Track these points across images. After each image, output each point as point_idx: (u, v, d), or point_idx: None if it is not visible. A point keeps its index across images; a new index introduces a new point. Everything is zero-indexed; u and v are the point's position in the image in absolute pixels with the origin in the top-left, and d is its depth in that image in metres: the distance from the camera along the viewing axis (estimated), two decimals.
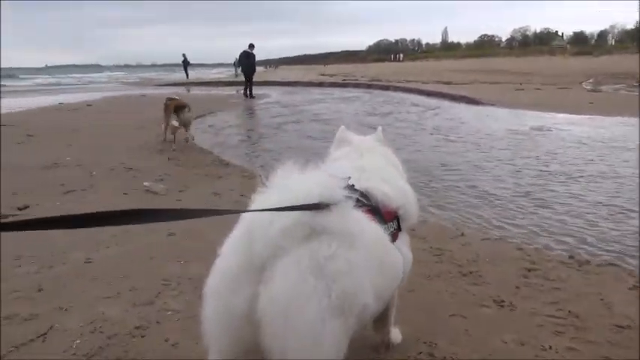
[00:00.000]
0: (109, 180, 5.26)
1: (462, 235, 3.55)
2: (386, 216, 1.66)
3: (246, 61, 17.31)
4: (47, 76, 54.13)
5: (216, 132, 9.55)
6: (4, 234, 3.40)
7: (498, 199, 4.54)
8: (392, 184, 1.77)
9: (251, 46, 17.25)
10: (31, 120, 10.63)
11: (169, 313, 2.43)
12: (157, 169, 5.77)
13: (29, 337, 2.20)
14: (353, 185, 1.62)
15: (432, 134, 8.53)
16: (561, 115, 10.55)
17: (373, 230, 1.51)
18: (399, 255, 1.66)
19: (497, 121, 10.16)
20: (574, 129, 8.68)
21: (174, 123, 7.27)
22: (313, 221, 1.25)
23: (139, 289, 2.67)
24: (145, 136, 8.44)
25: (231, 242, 1.38)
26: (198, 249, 3.21)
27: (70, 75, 58.64)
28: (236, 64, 38.25)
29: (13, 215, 3.98)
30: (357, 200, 1.48)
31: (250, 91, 17.79)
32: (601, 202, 4.34)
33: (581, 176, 5.29)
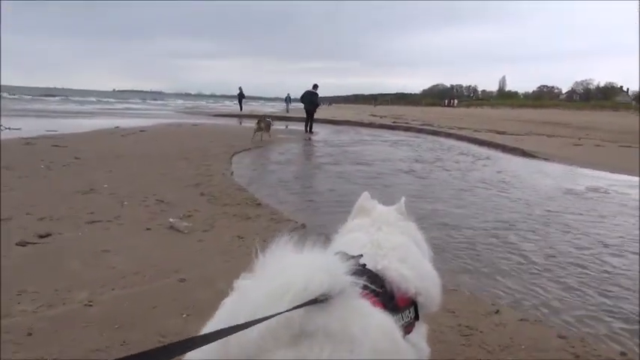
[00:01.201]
0: (137, 212, 5.20)
1: (497, 312, 3.15)
2: (401, 303, 1.39)
3: (309, 98, 18.21)
4: (112, 100, 57.18)
5: (257, 167, 9.51)
6: (10, 262, 3.34)
7: (544, 271, 4.08)
8: (411, 265, 1.51)
9: (315, 86, 18.37)
10: (83, 142, 11.02)
11: None
12: (188, 204, 5.69)
13: None
14: (364, 265, 1.38)
15: (477, 187, 8.10)
16: (621, 177, 9.84)
17: (380, 328, 1.22)
18: (412, 353, 1.38)
19: (550, 177, 9.58)
20: (634, 193, 8.01)
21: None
22: (305, 319, 0.99)
23: (130, 344, 2.47)
24: (185, 167, 8.49)
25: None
26: (206, 300, 3.00)
27: (132, 100, 61.68)
28: (288, 100, 39.39)
29: (33, 244, 3.94)
30: (366, 286, 1.21)
31: (311, 127, 18.61)
32: None
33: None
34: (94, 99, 53.65)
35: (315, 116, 19.32)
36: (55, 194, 5.74)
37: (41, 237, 4.09)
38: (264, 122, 14.71)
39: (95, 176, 7.01)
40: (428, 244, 1.75)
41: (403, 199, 1.81)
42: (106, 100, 54.77)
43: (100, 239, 4.16)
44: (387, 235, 1.60)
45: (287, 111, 37.43)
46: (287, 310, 0.97)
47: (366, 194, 1.84)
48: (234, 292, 1.12)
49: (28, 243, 3.90)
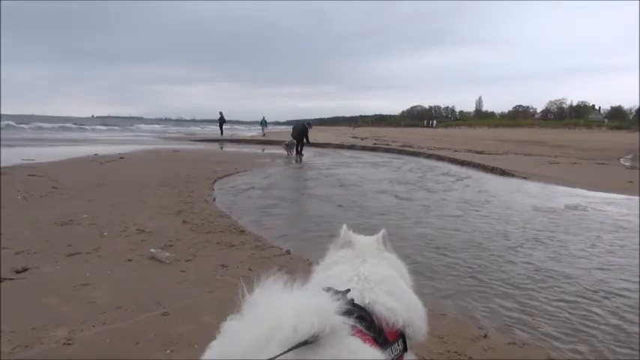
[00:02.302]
0: (118, 243, 5.09)
1: (485, 336, 3.14)
2: (389, 336, 1.39)
3: (300, 129, 19.54)
4: (91, 126, 56.50)
5: (239, 193, 9.43)
6: None
7: (530, 291, 4.11)
8: (397, 297, 1.51)
9: (309, 124, 20.52)
10: (60, 171, 10.81)
11: None
12: (170, 233, 5.60)
13: None
14: (352, 300, 1.37)
15: (459, 208, 8.17)
16: (598, 194, 10.04)
17: None
18: None
19: (530, 196, 9.72)
20: (612, 210, 8.18)
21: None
22: None
23: None
24: (166, 194, 8.38)
25: None
26: (190, 334, 2.95)
27: (111, 126, 61.06)
28: (263, 124, 39.83)
29: (9, 279, 3.81)
30: (356, 324, 1.20)
31: (301, 149, 19.60)
32: None
33: (627, 269, 4.81)
34: (72, 125, 52.75)
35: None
36: (32, 226, 5.59)
37: (18, 272, 3.96)
38: (289, 144, 19.61)
39: (74, 206, 6.87)
40: (409, 272, 1.76)
41: (383, 230, 1.82)
42: (84, 126, 53.91)
43: (79, 272, 4.05)
44: (373, 268, 1.61)
45: (263, 134, 37.69)
46: (277, 356, 0.95)
47: (345, 227, 1.83)
48: (222, 335, 1.09)
49: (5, 279, 3.77)
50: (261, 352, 0.97)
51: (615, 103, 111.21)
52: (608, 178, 12.79)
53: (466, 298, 3.96)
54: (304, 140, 19.75)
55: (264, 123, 40.62)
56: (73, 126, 52.77)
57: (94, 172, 11.24)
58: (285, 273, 1.16)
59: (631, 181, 11.83)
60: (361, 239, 1.80)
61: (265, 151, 22.07)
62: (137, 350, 2.75)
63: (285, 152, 19.71)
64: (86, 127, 53.73)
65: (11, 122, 46.12)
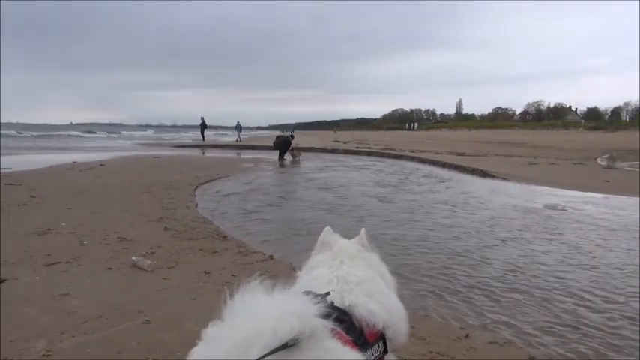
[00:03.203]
0: (98, 251, 5.02)
1: (467, 336, 3.18)
2: (370, 338, 1.40)
3: (284, 143, 20.48)
4: (71, 133, 55.66)
5: (221, 199, 9.38)
6: None
7: (511, 291, 4.17)
8: (377, 299, 1.52)
9: (292, 137, 21.60)
10: (39, 179, 10.62)
11: None
12: (151, 240, 5.54)
13: None
14: (332, 303, 1.37)
15: (442, 210, 8.25)
16: (576, 193, 10.25)
17: None
18: None
19: (510, 197, 9.86)
20: (590, 209, 8.34)
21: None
22: None
23: None
24: (147, 201, 8.30)
25: None
26: (173, 342, 2.92)
27: (91, 133, 60.22)
28: (238, 129, 38.92)
29: None
30: (336, 326, 1.21)
31: (283, 155, 20.34)
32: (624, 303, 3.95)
33: (598, 266, 4.91)
34: (50, 133, 51.83)
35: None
36: (10, 237, 5.48)
37: None
38: (296, 150, 21.08)
39: (53, 215, 6.76)
40: (392, 273, 1.77)
41: (363, 230, 1.84)
42: (63, 133, 53.04)
43: (58, 282, 3.99)
44: (351, 269, 1.62)
45: (238, 139, 36.84)
46: (257, 359, 0.96)
47: (328, 229, 1.85)
48: (203, 341, 1.09)
49: None
50: (243, 357, 0.97)
51: (591, 104, 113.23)
52: (585, 178, 13.06)
53: (447, 298, 4.00)
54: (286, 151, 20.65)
55: (238, 128, 39.39)
56: (52, 133, 51.88)
57: (73, 180, 11.06)
58: (267, 278, 1.17)
59: (608, 181, 12.09)
60: (340, 241, 1.80)
61: (248, 156, 21.99)
62: (119, 359, 2.72)
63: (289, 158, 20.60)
64: (65, 134, 52.91)
65: None
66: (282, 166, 17.99)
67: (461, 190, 10.86)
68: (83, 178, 11.54)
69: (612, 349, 3.07)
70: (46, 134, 49.32)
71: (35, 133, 49.57)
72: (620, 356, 2.99)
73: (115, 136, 57.53)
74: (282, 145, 20.65)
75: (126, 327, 3.15)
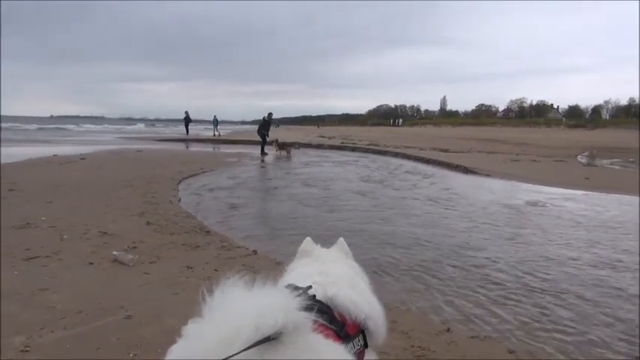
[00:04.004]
0: (79, 245, 4.95)
1: (448, 330, 3.21)
2: (351, 330, 1.39)
3: (262, 124, 20.82)
4: (50, 126, 54.73)
5: (205, 193, 9.32)
6: None
7: (492, 285, 4.22)
8: (359, 291, 1.52)
9: (270, 114, 20.96)
10: (18, 173, 10.43)
11: None
12: (133, 234, 5.48)
13: None
14: (314, 296, 1.36)
15: (425, 205, 8.31)
16: (557, 190, 10.41)
17: None
18: None
19: (492, 193, 9.98)
20: (570, 206, 8.48)
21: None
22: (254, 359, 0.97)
23: None
24: (129, 195, 8.20)
25: None
26: (154, 337, 2.90)
27: (71, 126, 59.23)
28: (215, 123, 38.23)
29: None
30: (318, 318, 1.20)
31: (264, 146, 20.42)
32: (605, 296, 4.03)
33: (580, 262, 5.00)
34: (29, 126, 50.78)
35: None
36: None
37: None
38: (277, 144, 20.23)
39: (32, 209, 6.64)
40: (366, 273, 1.77)
41: (341, 239, 1.84)
42: (42, 126, 52.00)
43: (37, 277, 3.92)
44: (334, 266, 1.62)
45: (216, 134, 36.21)
46: (238, 352, 0.95)
47: (308, 239, 1.84)
48: (183, 338, 1.08)
49: None
50: (224, 354, 0.96)
51: (572, 102, 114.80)
52: (566, 174, 13.27)
53: (429, 293, 4.03)
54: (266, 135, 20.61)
55: (215, 122, 38.61)
56: (30, 126, 50.89)
57: (53, 173, 10.88)
58: (250, 273, 1.16)
59: (587, 178, 12.30)
60: (321, 250, 1.81)
61: (232, 151, 21.86)
62: (99, 355, 2.69)
63: (276, 152, 20.25)
64: (45, 126, 51.94)
65: None
66: (263, 160, 17.94)
67: (444, 186, 10.95)
68: (64, 171, 11.36)
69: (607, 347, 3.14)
70: (19, 126, 48.32)
71: (11, 125, 48.52)
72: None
73: (99, 127, 56.72)
74: (261, 128, 20.69)
75: (106, 322, 3.11)
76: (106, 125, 72.99)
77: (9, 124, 49.64)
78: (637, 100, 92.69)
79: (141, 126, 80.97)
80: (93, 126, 59.92)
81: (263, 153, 19.95)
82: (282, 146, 20.50)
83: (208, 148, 23.69)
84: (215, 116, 38.90)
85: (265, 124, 20.84)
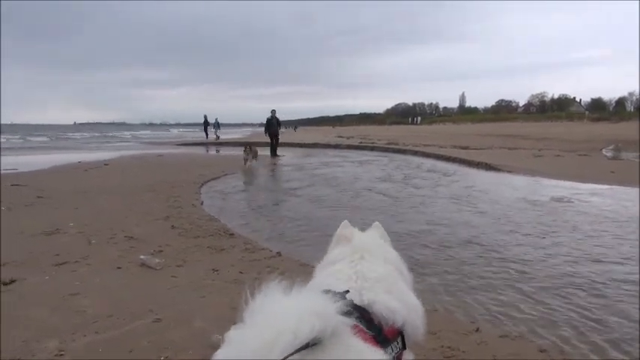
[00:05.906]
0: (106, 250, 5.04)
1: (477, 330, 3.17)
2: (389, 334, 1.39)
3: (273, 124, 19.93)
4: (74, 133, 55.84)
5: (226, 196, 9.40)
6: None
7: (521, 284, 4.15)
8: (397, 296, 1.51)
9: (273, 111, 19.99)
10: (45, 180, 10.68)
11: None
12: (159, 238, 5.56)
13: None
14: (352, 301, 1.36)
15: (447, 205, 8.23)
16: (582, 185, 10.19)
17: None
18: None
19: (516, 190, 9.82)
20: (596, 201, 8.30)
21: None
22: None
23: None
24: (152, 200, 8.32)
25: None
26: (183, 340, 2.92)
27: (94, 132, 60.37)
28: (216, 126, 37.91)
29: None
30: (357, 323, 1.20)
31: (275, 150, 19.71)
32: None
33: (612, 259, 4.89)
34: (54, 133, 51.96)
35: (282, 140, 20.90)
36: (17, 237, 5.51)
37: (5, 284, 3.90)
38: (251, 150, 15.77)
39: (60, 215, 6.79)
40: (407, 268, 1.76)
41: (377, 223, 1.83)
42: (66, 134, 53.17)
43: (67, 282, 4.00)
44: (371, 265, 1.60)
45: (216, 137, 36.09)
46: (290, 354, 0.95)
47: (345, 222, 1.84)
48: (225, 345, 1.09)
49: None
50: (267, 357, 0.97)
51: (595, 95, 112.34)
52: (591, 169, 12.98)
53: (457, 292, 3.99)
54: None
55: (217, 125, 38.22)
56: (56, 133, 52.04)
57: (78, 179, 11.11)
58: (279, 275, 1.16)
59: (613, 172, 12.02)
60: (359, 235, 1.79)
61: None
62: (131, 358, 2.73)
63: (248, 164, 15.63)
64: (69, 134, 53.04)
65: None
66: (275, 164, 17.29)
67: (467, 184, 10.83)
68: (88, 177, 11.59)
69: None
70: (44, 134, 49.28)
71: (36, 133, 49.56)
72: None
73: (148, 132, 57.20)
74: (267, 128, 20.02)
75: (136, 326, 3.15)
76: (147, 131, 74.77)
77: (48, 133, 50.52)
78: None
79: (174, 131, 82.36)
80: (138, 132, 60.88)
81: (274, 155, 19.48)
82: (251, 150, 15.93)
83: (228, 152, 23.86)
84: (217, 119, 38.56)
85: (270, 123, 19.92)
